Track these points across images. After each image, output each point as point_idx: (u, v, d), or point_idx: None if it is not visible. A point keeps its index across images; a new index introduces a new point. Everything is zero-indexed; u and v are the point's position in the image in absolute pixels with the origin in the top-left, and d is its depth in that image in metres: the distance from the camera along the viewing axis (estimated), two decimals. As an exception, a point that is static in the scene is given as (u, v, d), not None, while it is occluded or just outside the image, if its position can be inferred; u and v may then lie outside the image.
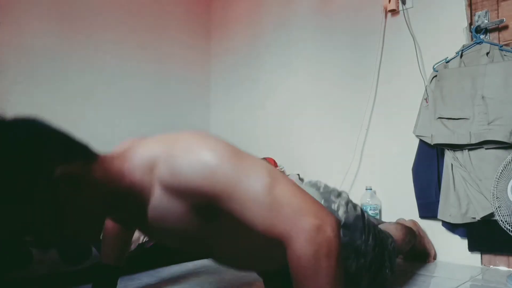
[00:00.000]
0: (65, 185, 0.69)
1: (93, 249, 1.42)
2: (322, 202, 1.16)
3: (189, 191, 0.72)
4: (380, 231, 1.34)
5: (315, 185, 1.25)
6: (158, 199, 0.76)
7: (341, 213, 1.17)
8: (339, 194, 1.23)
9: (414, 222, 1.85)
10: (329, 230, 0.67)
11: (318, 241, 0.66)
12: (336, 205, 1.18)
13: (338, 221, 0.71)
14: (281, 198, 0.68)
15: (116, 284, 1.19)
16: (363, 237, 1.20)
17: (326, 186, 1.26)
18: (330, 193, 1.22)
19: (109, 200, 0.78)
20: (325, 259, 0.66)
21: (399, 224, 1.61)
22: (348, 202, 1.23)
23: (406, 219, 1.89)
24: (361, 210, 1.27)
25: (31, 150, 0.66)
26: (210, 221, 0.79)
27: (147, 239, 1.59)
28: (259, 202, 0.68)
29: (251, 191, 0.68)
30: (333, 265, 0.66)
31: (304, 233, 0.66)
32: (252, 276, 1.58)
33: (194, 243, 0.88)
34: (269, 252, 0.87)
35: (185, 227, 0.79)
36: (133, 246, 1.47)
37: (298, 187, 0.73)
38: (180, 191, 0.73)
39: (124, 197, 0.79)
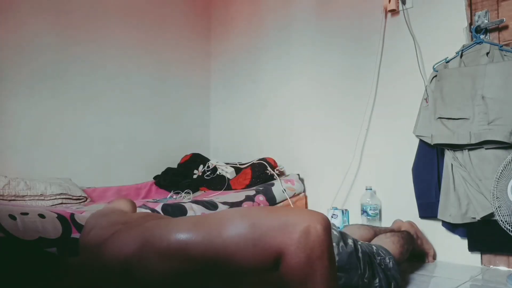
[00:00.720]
0: None
1: (93, 249, 1.42)
2: None
3: (174, 279, 0.70)
4: (376, 254, 1.35)
5: None
6: None
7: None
8: None
9: (411, 224, 1.85)
10: (319, 228, 0.66)
11: (310, 245, 0.64)
12: None
13: (325, 216, 0.69)
14: (261, 227, 0.67)
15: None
16: (359, 272, 1.22)
17: None
18: None
19: None
20: (318, 262, 0.65)
21: (396, 235, 1.60)
22: (339, 241, 1.24)
23: (405, 219, 1.89)
24: (353, 242, 1.27)
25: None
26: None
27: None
28: (244, 245, 0.66)
29: (232, 242, 0.67)
30: (326, 265, 0.66)
31: (293, 242, 0.64)
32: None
33: None
34: None
35: None
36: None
37: (272, 208, 0.72)
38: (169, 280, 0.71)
39: None
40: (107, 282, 0.75)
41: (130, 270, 0.72)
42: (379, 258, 1.35)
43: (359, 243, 1.32)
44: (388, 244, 1.50)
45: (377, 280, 1.28)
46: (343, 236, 1.29)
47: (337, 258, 1.17)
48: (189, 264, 0.68)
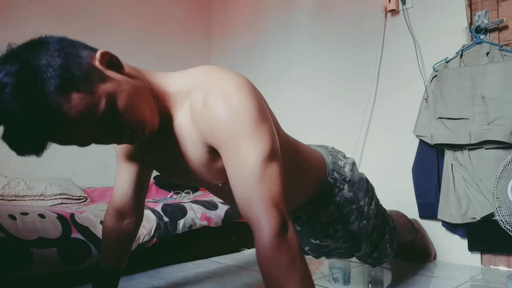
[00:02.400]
0: (107, 64, 0.75)
1: (93, 249, 1.42)
2: (330, 158, 1.18)
3: (205, 129, 0.78)
4: (383, 206, 1.36)
5: (323, 146, 1.27)
6: (183, 121, 0.83)
7: (347, 170, 1.18)
8: (345, 157, 1.24)
9: (415, 221, 1.85)
10: (291, 229, 0.71)
11: (283, 236, 0.69)
12: (342, 162, 1.20)
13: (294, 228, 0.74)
14: (268, 180, 0.72)
15: (117, 286, 1.19)
16: (366, 199, 1.22)
17: (334, 148, 1.28)
18: (337, 153, 1.24)
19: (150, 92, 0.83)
20: (287, 251, 0.69)
21: (401, 212, 1.62)
22: (354, 164, 1.24)
23: (406, 219, 1.89)
24: (366, 177, 1.28)
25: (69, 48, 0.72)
26: (219, 160, 0.82)
27: (147, 239, 1.59)
28: (249, 171, 0.72)
29: (249, 158, 0.72)
30: (296, 257, 0.70)
31: (272, 225, 0.69)
32: (252, 276, 1.58)
33: (202, 177, 0.91)
34: None
35: (196, 156, 0.84)
36: (133, 246, 1.47)
37: (284, 179, 0.75)
38: (199, 125, 0.79)
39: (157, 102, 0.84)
40: None
41: (191, 92, 0.83)
42: (383, 209, 1.35)
43: (371, 185, 1.32)
44: (394, 214, 1.51)
45: (378, 220, 1.28)
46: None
47: (349, 173, 1.18)
48: (221, 132, 0.76)
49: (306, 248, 1.26)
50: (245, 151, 0.73)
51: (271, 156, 0.74)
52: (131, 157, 1.06)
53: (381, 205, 1.35)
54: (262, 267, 0.70)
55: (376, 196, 1.32)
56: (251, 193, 0.71)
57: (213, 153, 0.81)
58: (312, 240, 1.21)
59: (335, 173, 1.15)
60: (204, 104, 0.77)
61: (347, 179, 1.17)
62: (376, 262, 1.37)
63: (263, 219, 0.69)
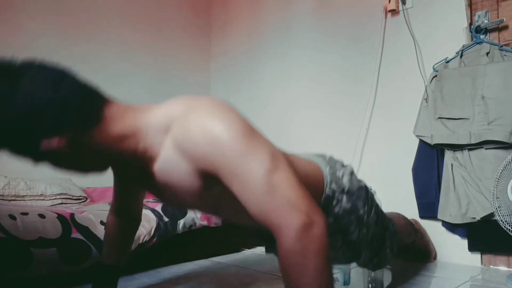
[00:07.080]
0: (54, 154, 0.76)
1: (93, 249, 1.42)
2: (328, 169, 1.16)
3: (196, 156, 0.75)
4: (382, 211, 1.35)
5: (321, 156, 1.26)
6: (168, 156, 0.81)
7: (345, 180, 1.17)
8: (344, 165, 1.24)
9: (415, 221, 1.85)
10: (317, 229, 0.68)
11: (306, 239, 0.66)
12: (341, 173, 1.18)
13: (326, 221, 0.71)
14: (279, 187, 0.69)
15: (116, 285, 1.20)
16: (366, 207, 1.20)
17: (332, 157, 1.27)
18: (335, 162, 1.22)
19: (112, 158, 0.84)
20: (313, 256, 0.66)
21: (402, 215, 1.61)
22: (352, 172, 1.23)
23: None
24: (365, 184, 1.27)
25: (25, 121, 0.73)
26: (212, 186, 0.81)
27: (147, 239, 1.59)
28: (257, 185, 0.69)
29: (252, 173, 0.70)
30: (322, 263, 0.67)
31: (294, 229, 0.66)
32: (252, 276, 1.58)
33: (196, 202, 0.90)
34: None
35: (188, 187, 0.83)
36: (133, 246, 1.47)
37: (297, 179, 0.73)
38: (188, 153, 0.77)
39: (130, 155, 0.83)
40: None
41: (170, 127, 0.80)
42: (383, 215, 1.35)
43: (371, 192, 1.30)
44: (394, 217, 1.49)
45: (378, 227, 1.27)
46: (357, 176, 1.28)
47: (348, 183, 1.16)
48: (213, 155, 0.73)
49: None
50: (245, 167, 0.70)
51: (273, 162, 0.72)
52: (120, 176, 1.08)
53: (381, 211, 1.34)
54: (283, 272, 0.68)
55: (376, 202, 1.30)
56: (266, 206, 0.69)
57: (206, 179, 0.79)
58: None
59: (333, 185, 1.13)
60: (187, 132, 0.75)
61: (346, 189, 1.15)
62: (377, 267, 1.36)
63: (283, 225, 0.67)
